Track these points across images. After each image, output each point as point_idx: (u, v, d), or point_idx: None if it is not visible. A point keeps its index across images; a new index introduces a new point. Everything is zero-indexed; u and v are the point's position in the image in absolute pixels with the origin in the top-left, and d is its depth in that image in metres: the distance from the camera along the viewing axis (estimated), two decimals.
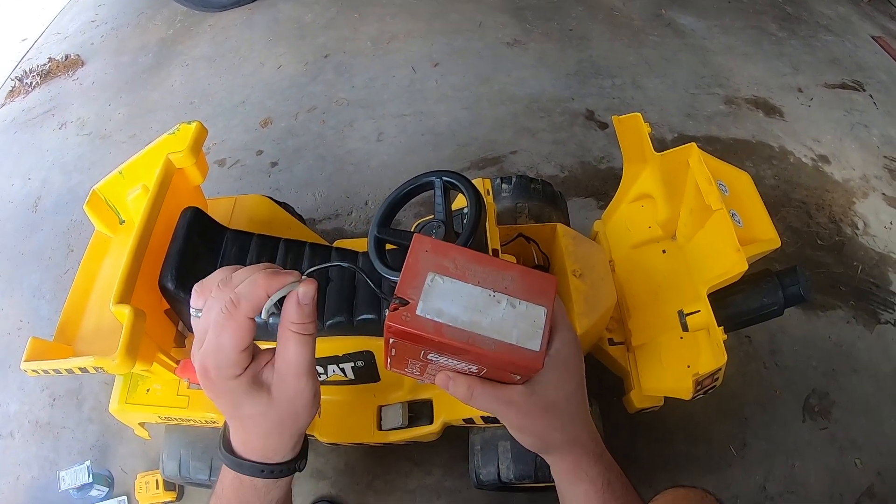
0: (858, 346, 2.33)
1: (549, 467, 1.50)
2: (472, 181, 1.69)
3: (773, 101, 3.20)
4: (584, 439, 0.70)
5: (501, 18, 3.52)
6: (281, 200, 2.07)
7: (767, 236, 1.53)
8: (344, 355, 1.55)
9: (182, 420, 1.54)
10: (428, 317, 0.56)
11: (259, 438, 0.67)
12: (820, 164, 2.93)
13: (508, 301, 0.57)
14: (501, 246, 1.69)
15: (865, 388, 2.22)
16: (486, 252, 1.52)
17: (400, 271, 1.29)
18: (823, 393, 2.19)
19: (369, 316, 1.49)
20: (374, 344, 1.53)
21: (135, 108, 3.21)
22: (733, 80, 3.27)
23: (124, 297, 1.24)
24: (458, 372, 0.64)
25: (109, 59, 3.56)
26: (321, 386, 1.64)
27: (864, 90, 3.43)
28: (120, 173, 1.55)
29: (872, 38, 3.88)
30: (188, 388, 1.51)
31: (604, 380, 1.86)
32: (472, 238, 1.32)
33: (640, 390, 1.67)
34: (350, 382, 1.65)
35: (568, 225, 2.04)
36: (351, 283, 1.57)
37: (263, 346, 0.75)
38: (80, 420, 2.08)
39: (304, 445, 0.73)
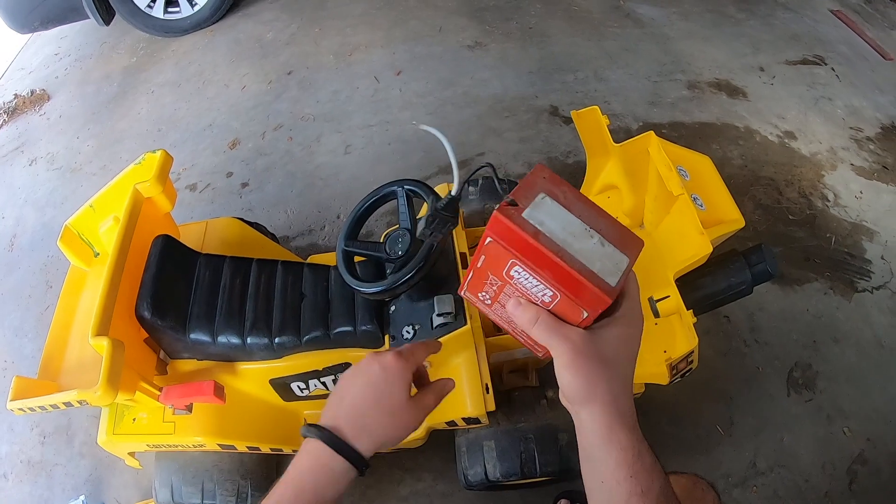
0: (838, 316, 2.35)
1: (534, 463, 1.53)
2: (437, 186, 1.71)
3: (736, 82, 3.23)
4: (624, 405, 0.69)
5: (461, 22, 3.54)
6: (252, 221, 2.07)
7: (732, 217, 1.54)
8: (324, 369, 1.56)
9: (170, 446, 1.53)
10: (531, 221, 0.60)
11: (379, 430, 0.81)
12: (786, 141, 2.96)
13: (600, 239, 0.61)
14: (470, 248, 1.70)
15: (848, 357, 2.25)
16: (455, 256, 1.52)
17: (371, 283, 1.31)
18: (806, 365, 2.21)
19: (345, 328, 1.50)
20: (352, 356, 1.54)
21: (103, 138, 3.19)
22: (695, 65, 3.30)
23: (102, 330, 1.25)
24: (530, 300, 0.67)
25: (75, 91, 3.54)
26: (305, 401, 1.65)
27: (826, 64, 3.48)
28: (91, 207, 1.55)
29: (831, 11, 3.93)
30: (173, 414, 1.51)
31: None
32: (437, 243, 1.32)
33: None
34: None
35: None
36: (325, 298, 1.58)
37: None
38: (72, 455, 2.07)
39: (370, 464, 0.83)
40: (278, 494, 0.75)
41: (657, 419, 2.03)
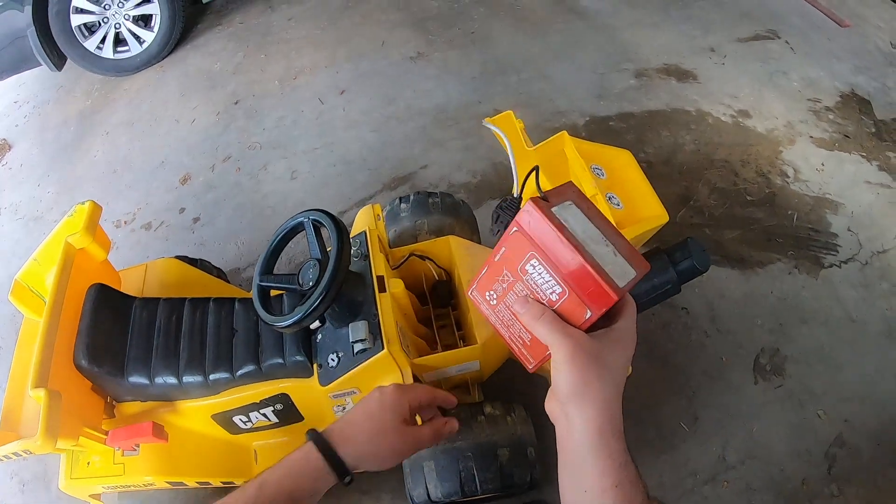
0: (804, 296, 2.30)
1: (474, 481, 1.50)
2: (362, 209, 1.70)
3: (685, 65, 3.19)
4: (615, 411, 0.69)
5: (404, 34, 3.51)
6: (196, 258, 2.06)
7: (654, 213, 1.50)
8: (261, 401, 1.55)
9: (122, 487, 1.54)
10: (558, 216, 0.65)
11: (365, 445, 0.91)
12: (741, 120, 2.92)
13: (613, 250, 0.67)
14: (395, 268, 1.67)
15: (818, 337, 2.20)
16: (372, 280, 1.50)
17: (283, 315, 1.32)
18: (773, 350, 2.16)
19: (276, 360, 1.49)
20: (286, 386, 1.53)
21: (63, 185, 3.18)
22: (642, 53, 3.26)
23: (40, 381, 1.28)
24: (537, 299, 0.70)
25: (35, 139, 3.54)
26: (251, 433, 1.64)
27: (780, 37, 3.44)
28: (35, 260, 1.58)
29: None
30: (123, 455, 1.52)
31: (531, 382, 1.82)
32: (339, 269, 1.30)
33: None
34: (277, 425, 1.65)
35: (476, 231, 2.02)
36: (255, 332, 1.57)
37: None
38: (51, 500, 2.06)
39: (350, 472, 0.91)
40: (268, 472, 0.86)
41: None
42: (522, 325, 0.72)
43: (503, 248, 0.71)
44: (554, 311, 0.69)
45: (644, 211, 1.49)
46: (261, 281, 1.44)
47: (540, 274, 0.68)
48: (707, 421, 2.00)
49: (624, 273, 0.65)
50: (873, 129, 2.93)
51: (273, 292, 1.53)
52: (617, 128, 2.82)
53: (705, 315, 2.22)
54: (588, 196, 1.40)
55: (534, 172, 1.05)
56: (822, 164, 2.76)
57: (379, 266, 1.52)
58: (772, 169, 2.71)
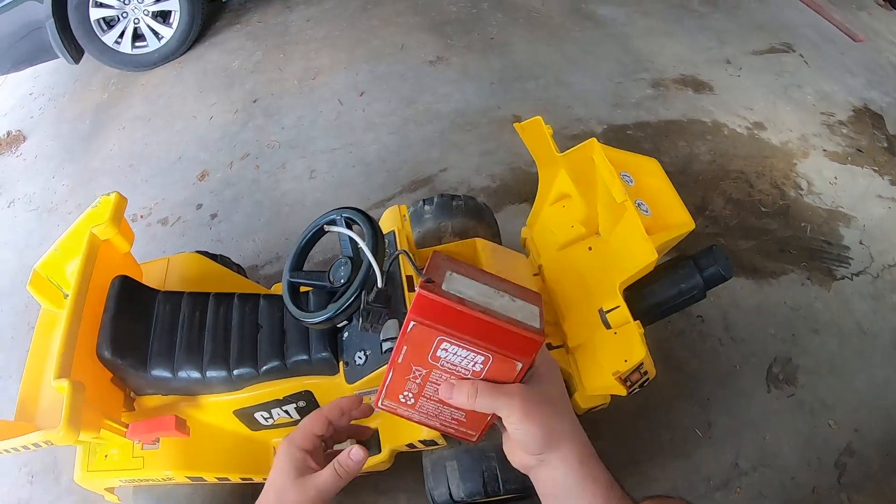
0: (816, 306, 2.33)
1: (497, 481, 1.51)
2: (388, 209, 1.71)
3: (701, 76, 3.21)
4: (584, 438, 0.71)
5: (423, 38, 3.54)
6: (216, 254, 2.07)
7: (680, 220, 1.51)
8: (284, 398, 1.56)
9: (140, 480, 1.54)
10: (452, 292, 0.63)
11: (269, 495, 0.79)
12: (755, 132, 2.94)
13: (510, 297, 0.66)
14: (421, 269, 1.68)
15: (829, 347, 2.22)
16: (401, 280, 1.51)
17: (314, 312, 1.32)
18: (786, 359, 2.18)
19: (301, 357, 1.50)
20: (310, 383, 1.54)
21: (78, 177, 3.19)
22: (658, 63, 3.29)
23: (63, 372, 1.28)
24: (460, 378, 0.69)
25: (50, 131, 3.55)
26: (272, 430, 1.65)
27: (794, 51, 3.47)
28: (56, 250, 1.59)
29: None
30: (142, 449, 1.52)
31: None
32: (373, 267, 1.32)
33: (584, 391, 1.65)
34: (298, 423, 1.64)
35: (497, 235, 2.04)
36: (280, 328, 1.58)
37: None
38: (60, 493, 2.06)
39: None
40: None
41: (634, 427, 2.00)
42: (453, 408, 0.71)
43: (405, 347, 0.68)
44: (483, 379, 0.68)
45: (671, 218, 1.51)
46: (291, 277, 1.45)
47: (455, 353, 0.67)
48: (720, 427, 2.02)
49: (531, 313, 0.66)
50: (885, 144, 2.96)
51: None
52: (634, 136, 2.85)
53: (720, 323, 2.24)
54: (618, 202, 1.44)
55: (402, 255, 1.09)
56: (835, 178, 2.78)
57: (408, 265, 1.53)
58: (786, 181, 2.73)
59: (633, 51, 3.38)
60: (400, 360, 0.69)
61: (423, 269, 0.66)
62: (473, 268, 0.68)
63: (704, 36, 3.50)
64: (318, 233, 1.49)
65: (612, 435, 1.98)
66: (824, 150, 2.90)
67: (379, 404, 0.75)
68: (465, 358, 0.66)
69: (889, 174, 2.81)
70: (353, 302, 1.30)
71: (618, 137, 2.81)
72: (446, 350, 0.66)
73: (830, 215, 2.63)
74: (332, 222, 1.46)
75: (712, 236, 2.44)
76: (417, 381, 0.70)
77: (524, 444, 0.68)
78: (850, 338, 2.25)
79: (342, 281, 1.37)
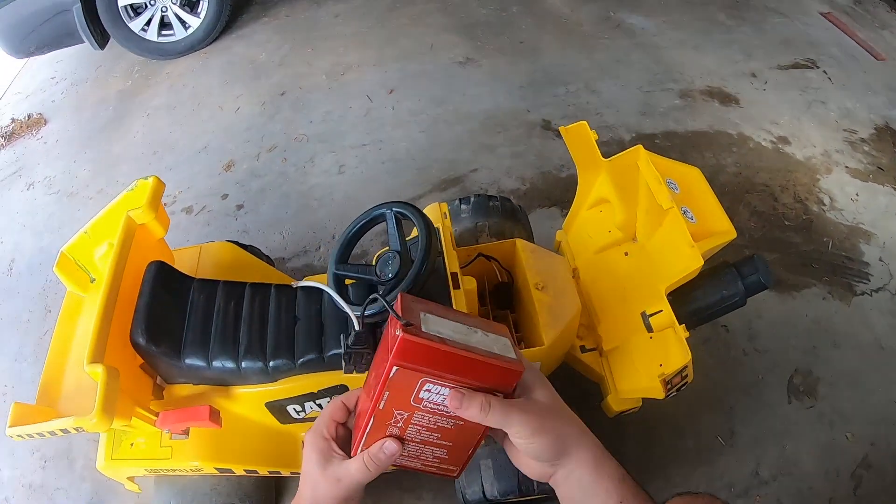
0: (837, 321, 2.34)
1: (532, 480, 1.53)
2: (428, 206, 1.72)
3: (728, 89, 3.24)
4: (591, 436, 0.72)
5: (452, 38, 3.56)
6: (246, 244, 2.07)
7: (723, 228, 1.54)
8: (319, 391, 1.56)
9: (168, 470, 1.54)
10: (432, 332, 0.64)
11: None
12: (780, 146, 2.96)
13: (482, 332, 0.69)
14: (462, 267, 1.70)
15: (849, 361, 2.23)
16: (447, 275, 1.53)
17: (359, 305, 1.32)
18: (807, 371, 2.20)
19: (339, 350, 1.48)
20: (346, 377, 1.53)
21: (99, 163, 3.19)
22: (686, 74, 3.32)
23: (97, 357, 1.25)
24: (442, 415, 0.70)
25: (71, 116, 3.56)
26: (302, 423, 1.65)
27: (818, 67, 3.49)
28: (86, 233, 1.56)
29: (821, 14, 3.95)
30: (171, 438, 1.51)
31: (581, 387, 1.85)
32: (426, 263, 1.33)
33: (617, 393, 1.67)
34: None
35: (531, 237, 2.06)
36: (318, 321, 1.58)
37: None
38: (73, 479, 2.06)
39: None
40: None
41: (659, 432, 2.02)
42: (435, 446, 0.72)
43: (386, 393, 0.68)
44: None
45: (715, 226, 1.54)
46: (337, 270, 1.45)
47: (438, 392, 0.67)
48: (743, 436, 2.04)
49: (504, 345, 0.69)
50: None
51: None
52: (662, 146, 2.87)
53: (744, 333, 2.26)
54: (665, 208, 1.45)
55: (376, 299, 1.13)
56: (857, 195, 2.80)
57: (453, 263, 1.54)
58: (809, 196, 2.75)
59: (661, 61, 3.41)
60: (382, 406, 0.68)
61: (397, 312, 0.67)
62: (442, 307, 0.71)
63: (731, 49, 3.52)
64: (367, 225, 1.49)
65: (637, 439, 2.00)
66: (846, 167, 2.92)
67: (358, 453, 0.73)
68: (447, 396, 0.67)
69: None
70: None
71: (646, 146, 2.78)
72: (429, 391, 0.67)
73: (851, 231, 2.64)
74: (381, 216, 1.47)
75: (738, 248, 2.46)
76: (399, 424, 0.70)
77: (538, 455, 0.69)
78: (869, 353, 2.27)
79: (390, 275, 1.38)
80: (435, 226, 1.63)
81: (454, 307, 1.45)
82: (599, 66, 3.37)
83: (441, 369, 0.65)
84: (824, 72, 3.45)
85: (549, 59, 3.41)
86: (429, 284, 1.50)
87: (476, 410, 0.66)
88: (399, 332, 0.63)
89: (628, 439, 1.99)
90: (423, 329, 0.64)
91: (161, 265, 1.53)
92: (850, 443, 2.05)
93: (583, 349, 1.77)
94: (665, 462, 1.97)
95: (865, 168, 2.93)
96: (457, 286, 1.51)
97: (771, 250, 2.51)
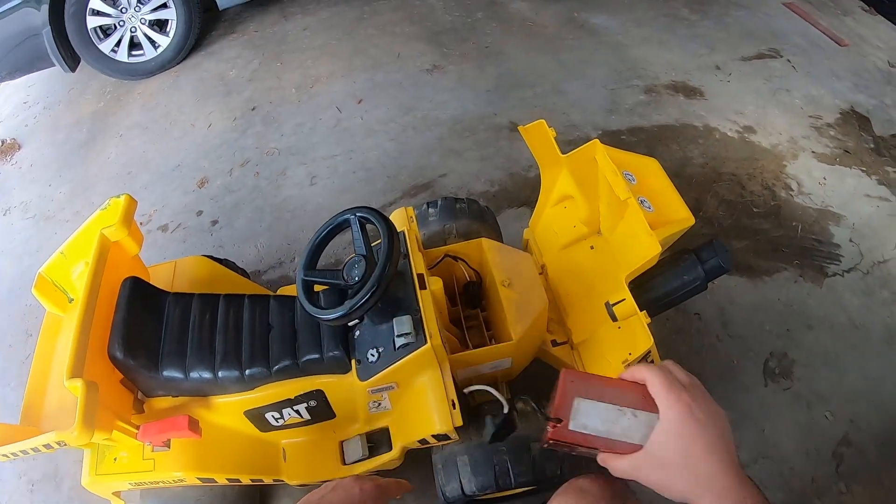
0: (809, 303, 2.38)
1: (509, 475, 1.54)
2: (395, 211, 1.74)
3: (692, 82, 3.29)
4: (729, 479, 0.78)
5: (419, 47, 3.59)
6: (221, 258, 2.08)
7: (681, 216, 1.57)
8: (296, 397, 1.58)
9: (152, 483, 1.54)
10: (577, 430, 0.79)
11: None
12: (746, 135, 3.01)
13: (632, 412, 0.79)
14: (430, 269, 1.72)
15: (823, 341, 2.26)
16: (413, 277, 1.54)
17: (329, 309, 1.35)
18: (782, 354, 2.22)
19: (313, 356, 1.53)
20: (322, 382, 1.56)
21: (75, 185, 3.19)
22: (651, 70, 3.36)
23: (76, 372, 1.28)
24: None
25: (45, 139, 3.55)
26: (282, 430, 1.67)
27: (782, 56, 3.55)
28: (62, 253, 1.59)
29: (784, 5, 4.02)
30: (153, 451, 1.52)
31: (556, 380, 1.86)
32: (389, 265, 1.35)
33: None
34: (308, 423, 1.67)
35: (499, 237, 2.08)
36: (292, 327, 1.61)
37: None
38: (61, 500, 2.04)
39: None
40: None
41: None
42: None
43: (549, 442, 0.85)
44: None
45: (672, 214, 1.56)
46: (305, 275, 1.47)
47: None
48: None
49: (648, 421, 0.79)
50: (872, 145, 3.03)
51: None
52: (628, 141, 2.91)
53: (717, 320, 2.29)
54: (622, 199, 1.48)
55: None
56: (824, 178, 2.85)
57: (419, 264, 1.57)
58: (776, 182, 2.79)
59: (626, 59, 3.45)
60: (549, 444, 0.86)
61: (553, 403, 0.82)
62: (600, 381, 0.82)
63: (695, 43, 3.58)
64: (333, 231, 1.50)
65: None
66: (813, 152, 2.96)
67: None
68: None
69: (876, 174, 2.88)
70: (370, 298, 1.33)
71: (613, 142, 2.80)
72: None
73: (820, 215, 2.68)
74: (346, 222, 1.49)
75: (707, 237, 2.45)
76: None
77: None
78: (843, 332, 2.30)
79: (356, 279, 1.40)
80: (401, 229, 1.66)
81: (427, 309, 1.47)
82: (565, 66, 3.40)
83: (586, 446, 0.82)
84: (788, 60, 3.51)
85: (515, 62, 3.45)
86: (397, 286, 1.52)
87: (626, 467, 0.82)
88: (549, 430, 0.79)
89: None
90: (571, 426, 0.79)
91: (136, 281, 1.56)
92: (829, 422, 2.07)
93: (554, 343, 1.79)
94: None
95: (832, 152, 2.98)
96: (423, 287, 1.53)
97: (740, 238, 2.55)
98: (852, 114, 3.19)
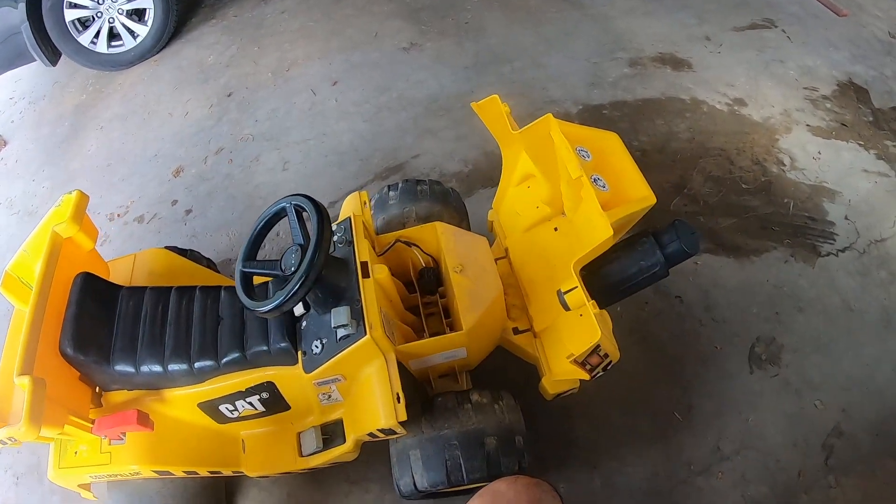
0: (801, 284, 2.28)
1: (461, 470, 1.48)
2: (349, 196, 1.69)
3: (680, 54, 3.16)
4: None
5: (397, 24, 3.50)
6: (186, 248, 2.05)
7: (640, 195, 1.47)
8: (247, 389, 1.55)
9: (110, 476, 1.55)
10: None
11: None
12: (736, 108, 2.89)
13: None
14: (381, 255, 1.65)
15: (815, 325, 2.17)
16: (355, 266, 1.48)
17: (263, 301, 1.30)
18: (769, 339, 2.14)
19: (261, 348, 1.49)
20: (271, 374, 1.52)
21: (57, 180, 3.17)
22: (637, 42, 3.24)
23: (25, 369, 1.29)
24: None
25: (30, 135, 3.53)
26: (240, 422, 1.63)
27: (776, 27, 3.41)
28: (24, 251, 1.59)
29: None
30: (109, 444, 1.53)
31: (528, 370, 1.77)
32: (318, 252, 1.29)
33: (551, 375, 1.61)
34: (263, 414, 1.65)
35: (465, 218, 2.01)
36: (241, 319, 1.56)
37: None
38: (44, 493, 2.05)
39: None
40: None
41: (605, 411, 1.96)
42: None
43: None
44: None
45: (631, 193, 1.47)
46: (243, 267, 1.43)
47: None
48: (701, 411, 1.98)
49: None
50: (871, 118, 2.90)
51: (257, 280, 1.53)
52: (610, 116, 2.80)
53: (700, 304, 2.20)
54: (574, 178, 1.39)
55: None
56: (819, 153, 2.73)
57: (363, 252, 1.51)
58: (768, 157, 2.68)
59: (611, 31, 3.33)
60: None
61: None
62: None
63: (684, 14, 3.44)
64: (271, 221, 1.47)
65: (587, 421, 1.94)
66: (808, 125, 2.84)
67: None
68: None
69: (875, 148, 2.75)
70: (299, 288, 1.28)
71: (594, 117, 2.76)
72: None
73: (814, 191, 2.57)
74: (283, 211, 1.44)
75: (692, 215, 2.39)
76: None
77: None
78: (837, 315, 2.20)
79: (293, 269, 1.35)
80: (348, 215, 1.59)
81: (369, 298, 1.42)
82: (546, 40, 3.29)
83: None
84: (783, 31, 3.36)
85: (495, 37, 3.34)
86: (339, 275, 1.47)
87: None
88: None
89: (577, 422, 1.94)
90: None
91: (87, 276, 1.55)
92: (819, 411, 1.99)
93: (516, 331, 1.71)
94: (616, 443, 1.91)
95: (828, 125, 2.85)
96: (366, 275, 1.47)
97: (728, 215, 2.45)
98: (850, 85, 3.05)
